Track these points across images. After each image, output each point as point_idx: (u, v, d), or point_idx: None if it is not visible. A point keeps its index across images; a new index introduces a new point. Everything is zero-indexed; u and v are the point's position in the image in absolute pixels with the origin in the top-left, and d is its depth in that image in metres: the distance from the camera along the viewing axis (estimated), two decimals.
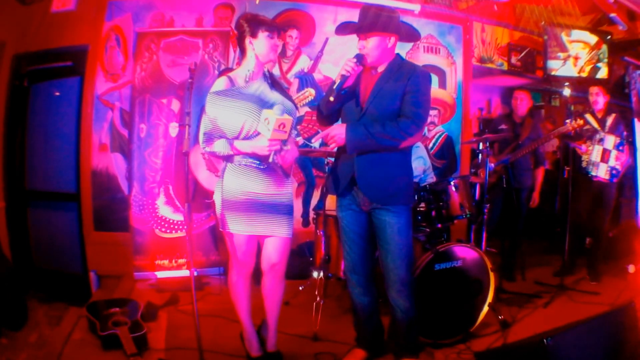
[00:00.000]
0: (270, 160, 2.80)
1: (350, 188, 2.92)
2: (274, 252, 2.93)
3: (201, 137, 2.82)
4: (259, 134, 2.72)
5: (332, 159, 4.47)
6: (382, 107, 2.78)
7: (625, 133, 4.86)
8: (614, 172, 4.79)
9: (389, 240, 2.86)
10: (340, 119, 2.99)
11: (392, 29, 2.78)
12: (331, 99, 2.76)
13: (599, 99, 4.90)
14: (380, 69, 2.87)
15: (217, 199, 2.87)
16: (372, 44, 2.77)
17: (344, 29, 2.89)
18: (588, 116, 4.93)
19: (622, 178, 5.02)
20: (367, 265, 3.04)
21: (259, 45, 2.79)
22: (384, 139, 2.72)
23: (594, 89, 4.96)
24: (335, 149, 3.01)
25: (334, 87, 2.76)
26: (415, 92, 2.76)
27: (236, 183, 2.81)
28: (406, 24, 2.91)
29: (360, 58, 2.76)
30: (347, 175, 2.88)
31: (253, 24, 2.77)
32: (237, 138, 2.77)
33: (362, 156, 2.82)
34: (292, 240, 3.00)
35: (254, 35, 2.77)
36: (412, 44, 5.57)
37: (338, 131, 2.75)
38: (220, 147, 2.78)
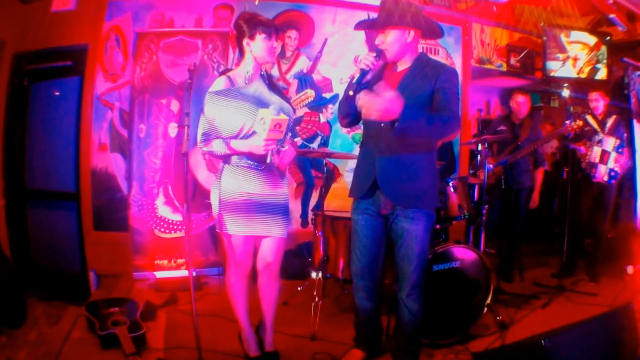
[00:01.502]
0: (268, 160, 2.80)
1: (371, 192, 2.86)
2: (268, 252, 2.93)
3: (199, 137, 2.83)
4: (255, 133, 2.73)
5: (331, 160, 4.48)
6: (409, 103, 2.58)
7: (625, 135, 4.87)
8: (612, 173, 4.79)
9: (407, 247, 2.83)
10: (361, 120, 2.91)
11: (411, 22, 2.70)
12: (350, 93, 2.67)
13: (599, 104, 4.92)
14: (403, 65, 2.80)
15: (214, 200, 2.87)
16: (391, 38, 2.71)
17: (361, 23, 2.85)
18: (588, 117, 4.93)
19: (621, 179, 5.03)
20: (375, 271, 3.01)
21: (256, 47, 2.79)
22: (436, 125, 2.57)
23: (593, 95, 4.97)
24: (359, 150, 2.98)
25: (354, 81, 2.67)
26: (446, 89, 2.69)
27: (233, 184, 2.81)
28: (428, 19, 2.82)
29: (379, 53, 2.71)
30: (369, 177, 2.83)
31: (251, 25, 2.76)
32: (235, 138, 2.77)
33: (384, 157, 2.77)
34: (287, 241, 3.00)
35: (251, 36, 2.77)
36: None
37: (393, 105, 2.42)
38: (217, 146, 2.78)
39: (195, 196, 4.64)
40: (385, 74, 2.85)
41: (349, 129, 5.39)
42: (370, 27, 2.80)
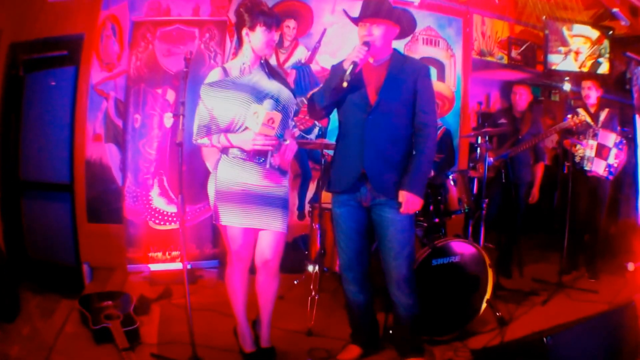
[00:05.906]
0: (268, 166, 2.76)
1: (356, 184, 2.83)
2: (267, 247, 2.87)
3: (195, 129, 2.77)
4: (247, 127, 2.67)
5: (328, 151, 4.43)
6: (395, 98, 2.73)
7: (619, 128, 4.80)
8: (611, 169, 4.73)
9: (392, 238, 2.81)
10: (337, 111, 2.92)
11: (398, 19, 2.75)
12: (345, 84, 2.62)
13: (591, 93, 4.82)
14: (380, 60, 2.81)
15: (210, 191, 2.82)
16: (380, 32, 2.71)
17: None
18: (581, 111, 4.85)
19: (620, 175, 4.97)
20: (363, 262, 2.99)
21: (255, 39, 2.74)
22: (430, 161, 2.87)
23: (586, 83, 4.88)
24: (335, 144, 2.95)
25: (347, 72, 2.62)
26: (425, 93, 2.79)
27: (231, 174, 2.76)
28: (407, 11, 2.83)
29: (368, 45, 2.68)
30: (355, 170, 2.80)
31: (252, 15, 2.71)
32: (229, 130, 2.72)
33: (371, 150, 2.76)
34: (286, 234, 2.94)
35: (251, 27, 2.72)
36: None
37: (414, 201, 2.73)
38: (215, 140, 2.74)
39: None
40: (363, 70, 2.82)
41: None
42: (364, 17, 2.75)
